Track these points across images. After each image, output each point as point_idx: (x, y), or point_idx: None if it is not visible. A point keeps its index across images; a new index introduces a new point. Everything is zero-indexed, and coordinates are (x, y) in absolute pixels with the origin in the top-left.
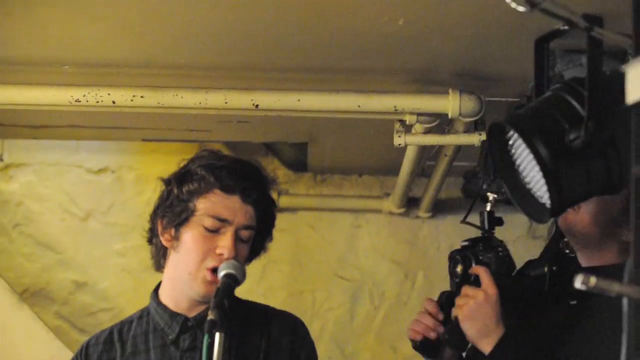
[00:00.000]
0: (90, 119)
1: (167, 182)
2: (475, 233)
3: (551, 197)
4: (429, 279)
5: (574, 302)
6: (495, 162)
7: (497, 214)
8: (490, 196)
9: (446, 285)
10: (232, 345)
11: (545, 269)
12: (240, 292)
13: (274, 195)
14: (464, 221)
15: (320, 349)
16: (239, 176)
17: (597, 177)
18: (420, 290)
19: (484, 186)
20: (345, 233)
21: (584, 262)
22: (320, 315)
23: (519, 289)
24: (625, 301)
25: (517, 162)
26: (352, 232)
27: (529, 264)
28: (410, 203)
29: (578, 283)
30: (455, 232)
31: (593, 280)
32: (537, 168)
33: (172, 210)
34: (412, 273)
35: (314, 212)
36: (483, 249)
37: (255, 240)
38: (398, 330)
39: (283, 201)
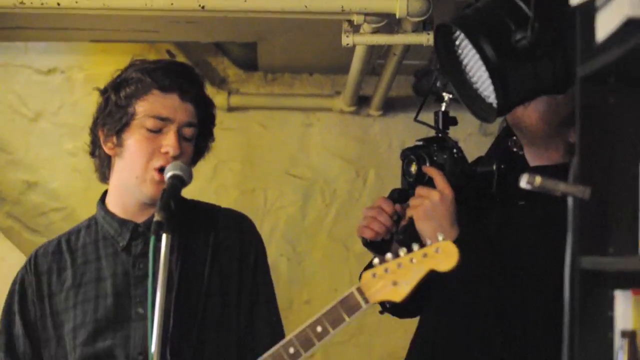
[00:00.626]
0: (37, 20)
1: (104, 90)
2: (425, 131)
3: (497, 97)
4: (380, 177)
5: (522, 202)
6: (442, 62)
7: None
8: (446, 96)
9: (397, 184)
10: (180, 245)
11: (494, 167)
12: (192, 191)
13: (224, 95)
14: (416, 119)
15: (272, 247)
16: (175, 75)
17: (543, 76)
18: (371, 188)
19: (439, 85)
20: (296, 132)
21: (531, 160)
22: (272, 214)
23: (469, 189)
24: (570, 200)
25: (464, 62)
26: (304, 131)
27: (478, 161)
28: (361, 101)
29: (523, 182)
30: (406, 130)
31: (539, 179)
32: (483, 68)
33: (112, 117)
34: (364, 171)
35: (264, 111)
36: (438, 149)
37: (197, 139)
38: (350, 227)
39: (234, 100)
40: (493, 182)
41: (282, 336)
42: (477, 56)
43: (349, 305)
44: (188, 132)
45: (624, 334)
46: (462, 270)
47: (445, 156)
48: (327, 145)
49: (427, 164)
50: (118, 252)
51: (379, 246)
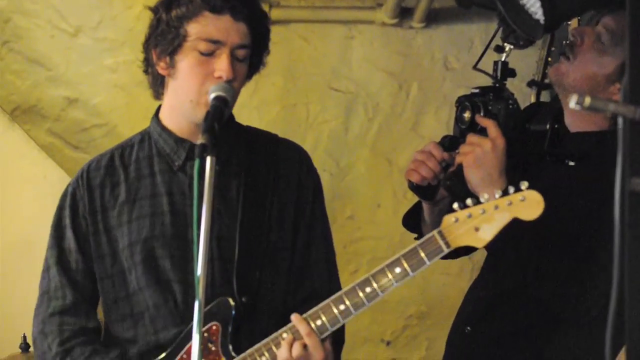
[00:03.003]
0: None
1: (155, 9)
2: (468, 46)
3: (544, 11)
4: (423, 90)
5: (573, 163)
6: None
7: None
8: (507, 46)
9: (440, 95)
10: (242, 172)
11: (548, 126)
12: (234, 107)
13: (265, 8)
14: (475, 67)
15: (315, 162)
16: None
17: None
18: (414, 101)
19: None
20: (338, 45)
21: (572, 126)
22: (314, 128)
23: (521, 144)
24: (620, 120)
25: None
26: (345, 44)
27: (529, 111)
28: (403, 13)
29: (572, 103)
30: (450, 42)
31: (588, 99)
32: None
33: (164, 38)
34: (407, 84)
35: (306, 24)
36: (494, 99)
37: (252, 56)
38: (393, 142)
39: (274, 14)
40: (545, 141)
41: (336, 273)
42: None
43: (430, 249)
44: (241, 53)
45: None
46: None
47: (500, 107)
48: (369, 59)
49: (482, 113)
50: (174, 171)
51: (425, 191)
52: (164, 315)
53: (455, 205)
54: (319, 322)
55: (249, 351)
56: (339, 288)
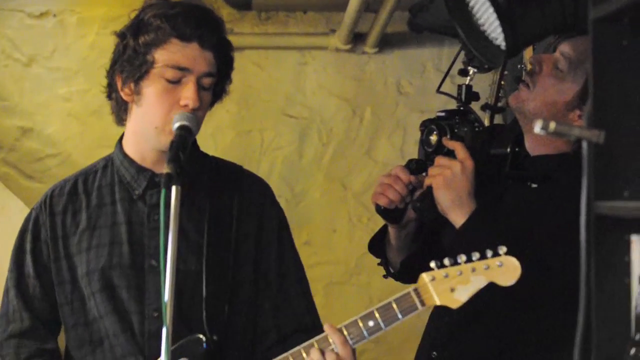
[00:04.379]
0: None
1: (122, 35)
2: (421, 69)
3: (506, 38)
4: (376, 115)
5: (535, 185)
6: (448, 5)
7: None
8: (471, 70)
9: (393, 119)
10: (206, 203)
11: (508, 149)
12: None
13: None
14: (439, 91)
15: None
16: (195, 22)
17: (553, 18)
18: (368, 126)
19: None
20: (291, 71)
21: (533, 150)
22: (268, 154)
23: (483, 167)
24: (584, 144)
25: (471, 5)
26: (299, 70)
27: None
28: (356, 38)
29: (537, 128)
30: (403, 67)
31: (553, 124)
32: (491, 10)
33: (130, 64)
34: (360, 109)
35: (259, 51)
36: (460, 122)
37: (216, 85)
38: (347, 166)
39: None
40: (507, 163)
41: (313, 305)
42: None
43: (404, 306)
44: (207, 81)
45: None
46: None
47: (466, 129)
48: (323, 84)
49: (449, 136)
50: (134, 199)
51: (392, 214)
52: (122, 344)
53: (433, 264)
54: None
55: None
56: (319, 320)
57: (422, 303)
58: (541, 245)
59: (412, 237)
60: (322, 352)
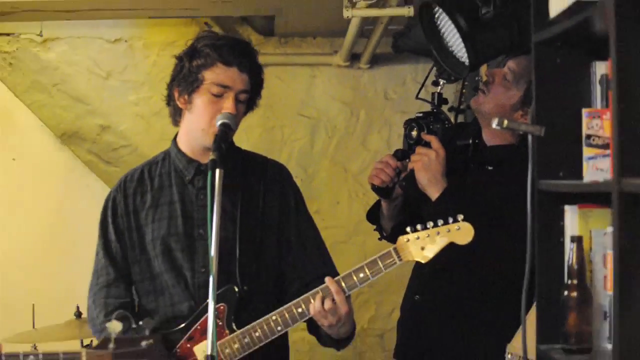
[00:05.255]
0: (108, 4)
1: (180, 58)
2: (400, 83)
3: (469, 57)
4: (369, 115)
5: (491, 168)
6: (426, 32)
7: None
8: (441, 81)
9: (382, 118)
10: (239, 186)
11: (470, 140)
12: None
13: None
14: (417, 97)
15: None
16: (235, 52)
17: (503, 41)
18: (363, 123)
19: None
20: (304, 82)
21: (488, 141)
22: (287, 145)
23: (451, 155)
24: (529, 137)
25: (442, 31)
26: (310, 81)
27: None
28: (354, 57)
29: (494, 124)
30: (388, 79)
31: (505, 121)
32: (457, 35)
33: (185, 81)
34: (356, 111)
35: (279, 67)
36: (433, 121)
37: (249, 99)
38: (347, 154)
39: None
40: (469, 152)
41: (329, 257)
42: (452, 26)
43: (386, 261)
44: (242, 97)
45: (573, 238)
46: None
47: (438, 126)
48: (328, 92)
49: (425, 131)
50: (185, 184)
51: (384, 191)
52: (178, 292)
53: (408, 229)
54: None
55: (247, 327)
56: (334, 267)
57: (400, 259)
58: (495, 213)
59: (399, 209)
60: (323, 298)
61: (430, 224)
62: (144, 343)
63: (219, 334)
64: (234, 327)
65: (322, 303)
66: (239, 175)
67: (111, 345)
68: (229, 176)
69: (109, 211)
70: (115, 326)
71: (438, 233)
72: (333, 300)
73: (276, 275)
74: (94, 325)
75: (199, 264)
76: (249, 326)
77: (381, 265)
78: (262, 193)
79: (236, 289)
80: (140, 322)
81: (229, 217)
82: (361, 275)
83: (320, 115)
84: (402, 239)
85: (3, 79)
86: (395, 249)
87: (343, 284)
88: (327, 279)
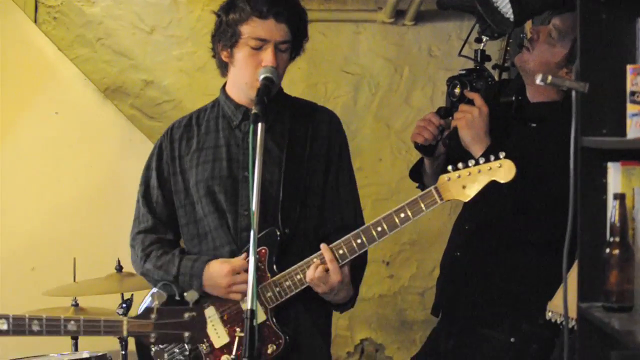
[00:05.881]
0: None
1: (218, 14)
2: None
3: (513, 12)
4: (412, 72)
5: (534, 124)
6: None
7: None
8: (484, 38)
9: (425, 75)
10: (285, 131)
11: (513, 97)
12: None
13: None
14: (460, 54)
15: None
16: (271, 2)
17: None
18: (406, 80)
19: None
20: (348, 38)
21: (532, 97)
22: (330, 102)
23: (495, 112)
24: (573, 93)
25: None
26: (354, 37)
27: (498, 86)
28: (398, 14)
29: (538, 79)
30: (432, 36)
31: (549, 77)
32: None
33: (224, 35)
34: (400, 68)
35: (323, 23)
36: (476, 78)
37: (293, 45)
38: (390, 111)
39: None
40: (512, 108)
41: (360, 210)
42: None
43: (427, 201)
44: (283, 46)
45: (615, 196)
46: None
47: (481, 83)
48: (372, 48)
49: (468, 88)
50: (232, 128)
51: (427, 149)
52: (221, 236)
53: (449, 168)
54: (340, 252)
55: (287, 270)
56: (363, 221)
57: (441, 198)
58: (538, 170)
59: (442, 167)
60: (317, 266)
61: (471, 162)
62: (186, 315)
63: (261, 278)
64: (275, 269)
65: (315, 270)
66: (287, 120)
67: (153, 315)
68: (277, 122)
69: (154, 157)
70: (159, 296)
71: (479, 171)
72: (327, 269)
73: (317, 219)
74: (136, 266)
75: (243, 206)
76: (290, 269)
77: (422, 205)
78: (309, 138)
79: (278, 232)
80: (185, 294)
81: (275, 161)
82: (402, 215)
83: (363, 71)
84: (443, 177)
85: (47, 32)
86: (436, 187)
87: (339, 253)
88: (322, 246)
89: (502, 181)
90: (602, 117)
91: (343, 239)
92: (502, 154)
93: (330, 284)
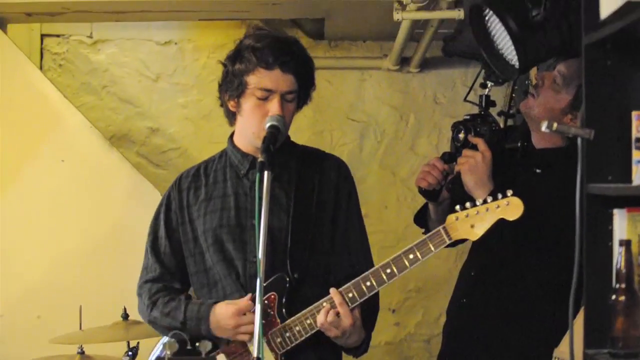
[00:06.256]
0: (158, 5)
1: (225, 64)
2: (448, 86)
3: (519, 59)
4: (418, 119)
5: (539, 170)
6: (475, 34)
7: None
8: (489, 84)
9: (431, 123)
10: (293, 179)
11: (519, 143)
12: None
13: None
14: (465, 99)
15: None
16: (277, 53)
17: (554, 43)
18: (412, 127)
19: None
20: (354, 86)
21: (537, 144)
22: (336, 149)
23: (500, 158)
24: (579, 140)
25: (492, 33)
26: (359, 85)
27: (503, 133)
28: (403, 61)
29: (544, 127)
30: (437, 83)
31: (555, 124)
32: (507, 37)
33: (231, 85)
34: (406, 115)
35: (329, 71)
36: (481, 123)
37: (299, 94)
38: (396, 158)
39: None
40: (518, 154)
41: (370, 255)
42: (502, 28)
43: (436, 241)
44: (289, 96)
45: (621, 242)
46: None
47: (485, 129)
48: (378, 96)
49: (472, 134)
50: (240, 177)
51: (431, 194)
52: (230, 284)
53: (457, 207)
54: (350, 295)
55: (297, 315)
56: (373, 265)
57: (449, 237)
58: (543, 217)
59: (446, 212)
60: (328, 311)
61: (479, 201)
62: None
63: (270, 323)
64: (285, 314)
65: (326, 315)
66: (294, 168)
67: None
68: (284, 170)
69: (162, 207)
70: (170, 346)
71: (487, 210)
72: (337, 313)
73: (326, 265)
74: (143, 314)
75: (251, 253)
76: (299, 314)
77: (431, 246)
78: (317, 185)
79: (287, 278)
80: (197, 344)
81: (283, 208)
82: (411, 256)
83: (369, 119)
84: (451, 217)
85: (53, 80)
86: (444, 227)
87: (348, 297)
88: (332, 291)
89: (509, 219)
90: (607, 163)
91: (352, 282)
92: (509, 192)
93: (342, 327)
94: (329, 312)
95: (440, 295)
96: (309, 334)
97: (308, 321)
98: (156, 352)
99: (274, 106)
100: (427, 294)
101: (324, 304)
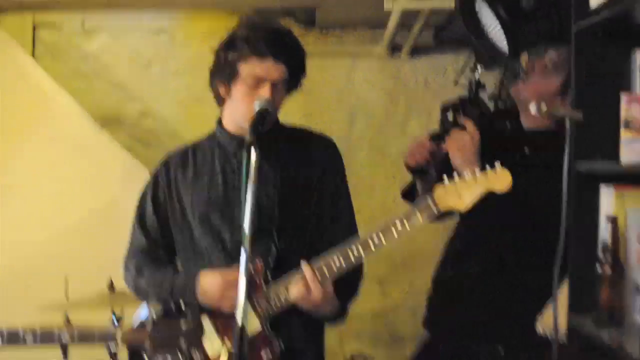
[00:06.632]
0: None
1: (217, 51)
2: (438, 71)
3: (508, 46)
4: (408, 103)
5: (528, 151)
6: (466, 22)
7: None
8: (479, 67)
9: (419, 106)
10: (281, 157)
11: (508, 124)
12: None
13: None
14: (456, 83)
15: None
16: (270, 43)
17: (544, 31)
18: (402, 111)
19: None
20: (345, 71)
21: (526, 124)
22: (326, 131)
23: (489, 138)
24: (567, 120)
25: (483, 21)
26: (351, 70)
27: (493, 115)
28: (394, 48)
29: (533, 109)
30: (427, 69)
31: (544, 106)
32: (498, 26)
33: (223, 72)
34: (396, 99)
35: (320, 58)
36: (470, 105)
37: (289, 81)
38: (385, 140)
39: None
40: (506, 135)
41: (355, 227)
42: (492, 16)
43: (423, 210)
44: (280, 84)
45: (608, 218)
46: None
47: (474, 110)
48: (368, 80)
49: (461, 115)
50: (228, 156)
51: (419, 172)
52: (216, 255)
53: (446, 179)
54: (323, 268)
55: (279, 284)
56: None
57: (437, 207)
58: (531, 197)
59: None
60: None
61: (467, 173)
62: (183, 325)
63: (255, 289)
64: (270, 281)
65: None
66: (283, 147)
67: (149, 327)
68: (273, 148)
69: (150, 184)
70: (155, 308)
71: (475, 180)
72: (308, 286)
73: (311, 237)
74: (129, 284)
75: (239, 225)
76: (281, 282)
77: (418, 215)
78: (305, 162)
79: (274, 246)
80: (184, 308)
81: (271, 182)
82: (398, 224)
83: (359, 102)
84: (439, 186)
85: (45, 68)
86: (432, 197)
87: (317, 272)
88: (303, 264)
89: (497, 190)
90: (595, 143)
91: (326, 255)
92: (497, 163)
93: (312, 301)
94: (299, 287)
95: (426, 268)
96: (288, 304)
97: (284, 294)
98: (140, 314)
99: (264, 92)
100: (413, 267)
101: (297, 276)
